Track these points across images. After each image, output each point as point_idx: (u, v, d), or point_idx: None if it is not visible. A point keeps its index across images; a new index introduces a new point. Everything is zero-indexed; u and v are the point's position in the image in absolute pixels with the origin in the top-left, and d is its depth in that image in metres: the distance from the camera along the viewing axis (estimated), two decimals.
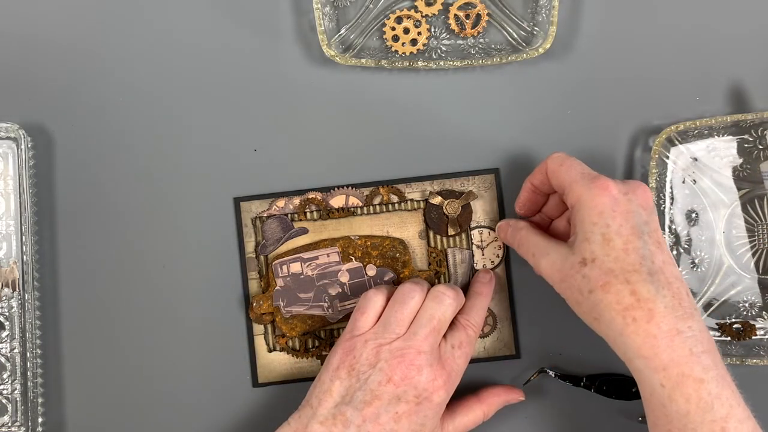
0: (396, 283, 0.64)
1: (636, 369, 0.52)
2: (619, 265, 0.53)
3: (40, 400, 0.64)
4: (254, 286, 0.65)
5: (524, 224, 0.61)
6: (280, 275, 0.65)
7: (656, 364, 0.51)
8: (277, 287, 0.64)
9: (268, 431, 0.65)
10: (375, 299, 0.59)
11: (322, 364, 0.65)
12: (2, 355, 0.64)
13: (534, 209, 0.63)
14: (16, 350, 0.64)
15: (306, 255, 0.65)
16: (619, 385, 0.64)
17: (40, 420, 0.64)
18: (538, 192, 0.61)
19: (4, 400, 0.64)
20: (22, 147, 0.64)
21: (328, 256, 0.65)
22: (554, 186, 0.58)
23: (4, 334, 0.64)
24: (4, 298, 0.64)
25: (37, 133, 0.66)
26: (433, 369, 0.56)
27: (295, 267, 0.65)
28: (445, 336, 0.59)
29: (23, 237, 0.64)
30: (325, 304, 0.64)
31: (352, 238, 0.65)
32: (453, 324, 0.60)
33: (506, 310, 0.65)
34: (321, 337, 0.65)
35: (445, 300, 0.58)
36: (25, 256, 0.64)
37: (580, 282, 0.54)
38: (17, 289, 0.64)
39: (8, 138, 0.65)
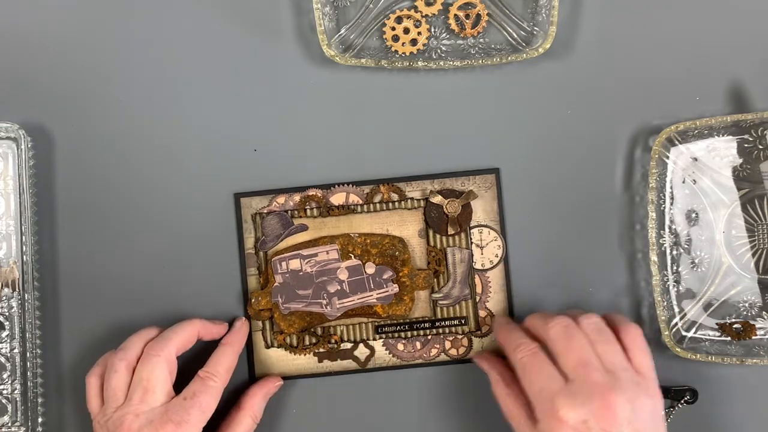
0: (395, 281, 0.64)
1: None
2: None
3: (40, 400, 0.64)
4: (253, 282, 0.65)
5: (497, 377, 0.61)
6: (279, 272, 0.65)
7: None
8: (275, 284, 0.64)
9: (265, 427, 0.65)
10: (89, 382, 0.61)
11: (318, 360, 0.65)
12: (2, 355, 0.64)
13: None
14: (16, 350, 0.64)
15: (305, 252, 0.65)
16: None
17: (40, 420, 0.64)
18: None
19: (4, 400, 0.64)
20: (22, 147, 0.64)
21: (327, 253, 0.65)
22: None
23: (4, 334, 0.64)
24: (4, 298, 0.64)
25: (37, 133, 0.66)
26: (154, 425, 0.57)
27: (295, 264, 0.65)
28: (183, 388, 0.60)
29: (23, 237, 0.64)
30: (324, 301, 0.64)
31: (352, 235, 0.65)
32: (195, 375, 0.61)
33: (505, 310, 0.65)
34: (318, 334, 0.65)
35: (151, 359, 0.59)
36: (25, 256, 0.64)
37: None
38: (17, 289, 0.64)
39: (8, 138, 0.65)
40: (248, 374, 0.66)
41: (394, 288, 0.64)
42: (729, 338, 0.64)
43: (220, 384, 0.60)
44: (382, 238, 0.65)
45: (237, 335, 0.64)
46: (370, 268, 0.64)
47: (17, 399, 0.64)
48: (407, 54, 0.66)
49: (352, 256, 0.65)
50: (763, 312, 0.65)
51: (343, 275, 0.64)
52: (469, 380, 0.65)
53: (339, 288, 0.64)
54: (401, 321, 0.65)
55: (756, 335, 0.64)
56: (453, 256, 0.65)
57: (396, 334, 0.65)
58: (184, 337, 0.61)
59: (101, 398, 0.60)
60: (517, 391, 0.59)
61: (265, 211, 0.65)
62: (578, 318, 0.58)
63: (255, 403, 0.63)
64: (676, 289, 0.65)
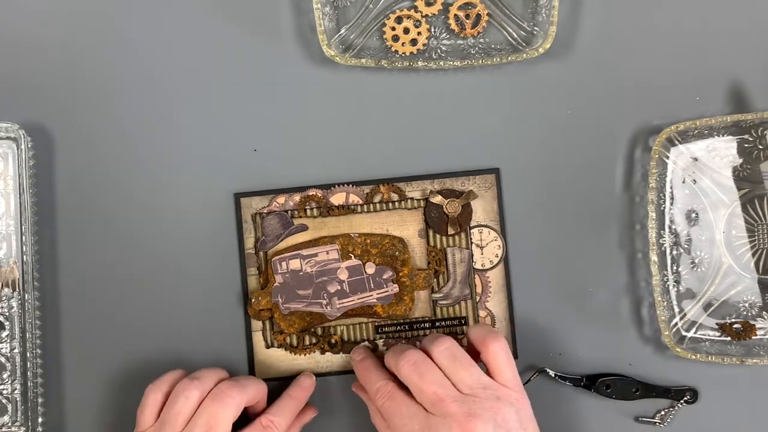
0: (395, 281, 0.64)
1: None
2: None
3: (40, 400, 0.64)
4: (253, 282, 0.65)
5: (374, 409, 0.61)
6: (279, 272, 0.65)
7: None
8: (276, 284, 0.64)
9: None
10: (151, 396, 0.59)
11: (318, 360, 0.65)
12: (2, 355, 0.64)
13: None
14: (16, 350, 0.64)
15: (305, 252, 0.65)
16: (619, 385, 0.64)
17: (40, 420, 0.64)
18: None
19: (4, 400, 0.64)
20: (22, 147, 0.64)
21: (327, 253, 0.65)
22: None
23: (4, 334, 0.64)
24: (4, 298, 0.64)
25: (37, 133, 0.66)
26: None
27: (295, 264, 0.65)
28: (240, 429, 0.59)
29: (23, 237, 0.64)
30: (324, 301, 0.64)
31: (352, 235, 0.65)
32: (254, 421, 0.60)
33: (505, 310, 0.65)
34: (318, 334, 0.65)
35: (225, 399, 0.58)
36: (25, 256, 0.64)
37: None
38: (17, 289, 0.64)
39: (8, 138, 0.65)
40: (248, 374, 0.65)
41: (394, 288, 0.64)
42: (729, 338, 0.64)
43: None
44: (382, 238, 0.65)
45: (303, 391, 0.64)
46: (370, 268, 0.64)
47: (17, 399, 0.64)
48: (407, 54, 0.66)
49: (352, 256, 0.65)
50: (763, 312, 0.65)
51: (343, 275, 0.64)
52: None
53: (339, 288, 0.64)
54: (401, 321, 0.65)
55: (756, 335, 0.64)
56: (453, 256, 0.65)
57: (396, 334, 0.65)
58: (256, 390, 0.60)
59: (157, 416, 0.59)
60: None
61: (265, 211, 0.66)
62: (430, 348, 0.58)
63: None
64: (676, 289, 0.65)
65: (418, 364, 0.57)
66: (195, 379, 0.59)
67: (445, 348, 0.57)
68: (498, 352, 0.57)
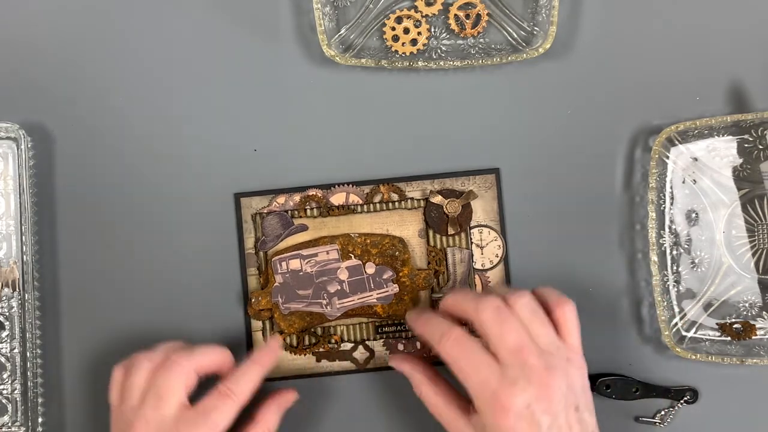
0: (395, 281, 0.64)
1: None
2: None
3: (40, 400, 0.64)
4: (253, 282, 0.65)
5: (421, 378, 0.60)
6: (279, 272, 0.65)
7: None
8: (275, 284, 0.65)
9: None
10: (115, 375, 0.60)
11: (318, 361, 0.65)
12: (2, 355, 0.64)
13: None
14: (16, 350, 0.64)
15: (305, 252, 0.65)
16: (619, 385, 0.64)
17: (40, 420, 0.64)
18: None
19: (4, 400, 0.64)
20: (22, 147, 0.64)
21: (327, 253, 0.65)
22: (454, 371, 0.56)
23: (4, 334, 0.64)
24: (4, 298, 0.64)
25: (37, 133, 0.66)
26: None
27: (295, 264, 0.65)
28: (199, 399, 0.58)
29: (23, 237, 0.64)
30: (324, 301, 0.64)
31: (352, 235, 0.65)
32: (214, 388, 0.58)
33: None
34: (318, 334, 0.65)
35: (171, 366, 0.57)
36: (25, 256, 0.64)
37: None
38: (17, 289, 0.64)
39: (8, 138, 0.65)
40: None
41: (394, 288, 0.64)
42: (729, 338, 0.64)
43: (238, 404, 0.57)
44: (382, 238, 0.65)
45: (268, 356, 0.61)
46: (370, 268, 0.64)
47: (17, 399, 0.64)
48: (407, 54, 0.66)
49: (352, 256, 0.65)
50: (763, 312, 0.65)
51: (343, 275, 0.64)
52: None
53: (339, 288, 0.64)
54: (401, 321, 0.65)
55: (756, 335, 0.64)
56: (453, 256, 0.65)
57: (396, 335, 0.65)
58: (210, 357, 0.59)
59: (122, 393, 0.59)
60: (444, 389, 0.58)
61: (265, 211, 0.66)
62: (508, 298, 0.56)
63: (270, 417, 0.61)
64: (676, 289, 0.65)
65: (500, 311, 0.55)
66: (149, 352, 0.59)
67: (528, 301, 0.56)
68: (570, 314, 0.56)
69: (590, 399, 0.56)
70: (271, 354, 0.61)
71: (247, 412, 0.60)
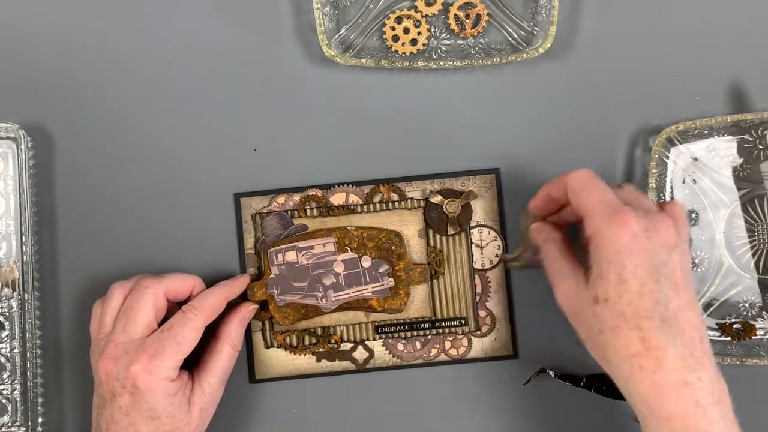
0: (391, 275, 0.64)
1: (640, 413, 0.52)
2: (631, 309, 0.50)
3: (40, 400, 0.64)
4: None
5: (555, 237, 0.58)
6: (275, 263, 0.65)
7: (660, 413, 0.50)
8: (271, 275, 0.65)
9: (265, 427, 0.65)
10: (94, 308, 0.62)
11: (318, 360, 0.65)
12: (2, 355, 0.64)
13: (549, 213, 0.61)
14: (16, 350, 0.64)
15: (302, 244, 0.65)
16: None
17: (40, 420, 0.64)
18: (555, 201, 0.59)
19: (4, 400, 0.64)
20: (22, 147, 0.64)
21: (323, 246, 0.65)
22: (574, 208, 0.55)
23: (4, 334, 0.64)
24: (4, 298, 0.64)
25: (37, 133, 0.66)
26: (129, 356, 0.57)
27: (291, 256, 0.65)
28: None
29: (23, 237, 0.64)
30: (320, 294, 0.64)
31: (349, 228, 0.65)
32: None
33: (504, 310, 0.65)
34: (318, 334, 0.65)
35: (140, 290, 0.59)
36: (25, 256, 0.64)
37: (591, 319, 0.52)
38: (17, 289, 0.64)
39: (8, 138, 0.65)
40: (248, 375, 0.66)
41: (390, 282, 0.64)
42: (729, 338, 0.64)
43: (201, 319, 0.59)
44: (379, 231, 0.65)
45: (234, 281, 0.64)
46: (366, 262, 0.65)
47: (17, 399, 0.64)
48: (407, 54, 0.66)
49: (349, 249, 0.65)
50: (763, 312, 0.65)
51: (339, 268, 0.64)
52: (470, 380, 0.65)
53: (335, 281, 0.64)
54: (401, 321, 0.65)
55: (756, 335, 0.64)
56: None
57: (396, 334, 0.65)
58: (178, 281, 0.61)
59: (99, 324, 0.61)
60: (573, 254, 0.57)
61: (265, 211, 0.66)
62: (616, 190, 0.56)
63: (232, 330, 0.62)
64: None
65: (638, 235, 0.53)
66: (121, 281, 0.61)
67: (631, 190, 0.56)
68: (683, 211, 0.56)
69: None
70: (237, 281, 0.64)
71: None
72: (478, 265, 0.65)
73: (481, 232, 0.66)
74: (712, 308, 0.65)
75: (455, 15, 0.66)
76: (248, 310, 0.64)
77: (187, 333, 0.58)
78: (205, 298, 0.61)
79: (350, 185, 0.65)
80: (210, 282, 0.64)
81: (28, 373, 0.63)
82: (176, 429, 0.58)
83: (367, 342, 0.66)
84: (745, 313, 0.65)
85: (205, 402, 0.60)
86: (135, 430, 0.57)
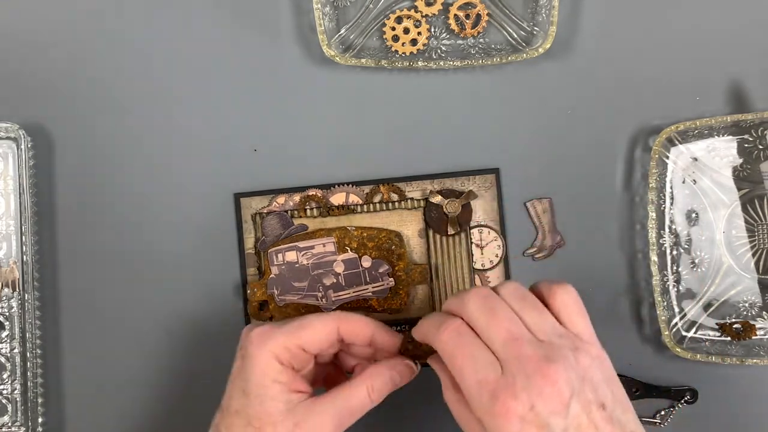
0: (391, 275, 0.64)
1: None
2: None
3: (40, 400, 0.64)
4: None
5: (447, 382, 0.51)
6: (275, 263, 0.65)
7: None
8: (271, 275, 0.65)
9: None
10: None
11: None
12: (2, 355, 0.64)
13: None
14: (16, 350, 0.64)
15: (302, 244, 0.65)
16: None
17: (40, 420, 0.64)
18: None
19: (4, 400, 0.64)
20: (22, 147, 0.64)
21: (323, 246, 0.65)
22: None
23: (4, 334, 0.64)
24: (4, 298, 0.64)
25: (37, 133, 0.66)
26: (260, 324, 0.54)
27: (291, 256, 0.65)
28: None
29: (23, 237, 0.64)
30: (320, 294, 0.64)
31: (349, 228, 0.65)
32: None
33: None
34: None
35: (329, 315, 0.55)
36: (25, 256, 0.64)
37: None
38: (17, 289, 0.64)
39: (8, 138, 0.65)
40: None
41: (390, 282, 0.65)
42: (729, 338, 0.64)
43: (334, 319, 0.53)
44: (379, 231, 0.65)
45: (391, 334, 0.55)
46: (366, 262, 0.65)
47: (17, 399, 0.64)
48: (407, 54, 0.66)
49: (349, 249, 0.65)
50: (763, 312, 0.65)
51: (339, 268, 0.64)
52: None
53: (335, 281, 0.64)
54: (401, 321, 0.65)
55: (756, 335, 0.64)
56: (534, 208, 0.65)
57: None
58: (359, 325, 0.54)
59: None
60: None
61: (265, 211, 0.66)
62: (496, 287, 0.50)
63: (377, 377, 0.53)
64: (676, 289, 0.65)
65: (488, 299, 0.49)
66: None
67: (514, 287, 0.50)
68: (568, 298, 0.49)
69: (622, 394, 0.48)
70: (409, 370, 0.55)
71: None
72: (478, 265, 0.66)
73: (481, 232, 0.66)
74: (712, 308, 0.65)
75: (455, 15, 0.66)
76: (404, 364, 0.55)
77: (313, 319, 0.53)
78: (353, 315, 0.54)
79: (350, 185, 0.65)
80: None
81: (28, 373, 0.63)
82: (260, 421, 0.51)
83: None
84: (745, 313, 0.65)
85: (306, 426, 0.51)
86: (228, 403, 0.53)
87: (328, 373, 0.58)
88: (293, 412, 0.51)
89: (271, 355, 0.52)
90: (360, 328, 0.54)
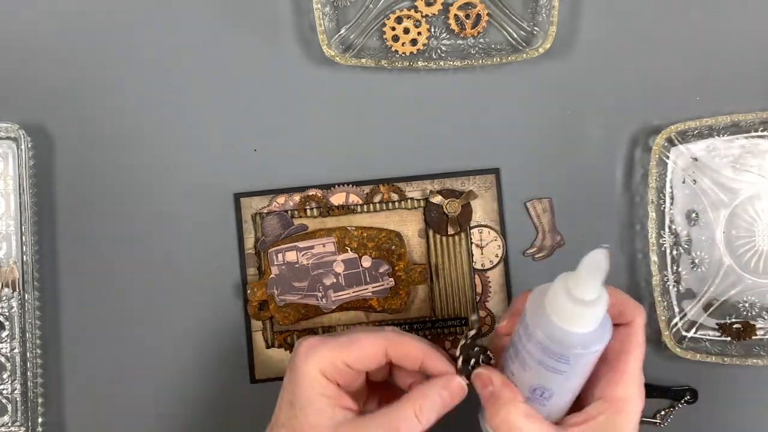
0: (391, 275, 0.64)
1: None
2: None
3: (40, 400, 0.64)
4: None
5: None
6: (276, 263, 0.65)
7: None
8: (271, 275, 0.65)
9: (266, 427, 0.65)
10: None
11: None
12: (2, 355, 0.64)
13: None
14: (16, 350, 0.64)
15: (302, 244, 0.65)
16: None
17: (40, 420, 0.64)
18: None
19: (4, 400, 0.64)
20: (22, 147, 0.64)
21: (323, 245, 0.65)
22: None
23: (4, 334, 0.64)
24: (4, 298, 0.64)
25: (37, 133, 0.66)
26: (309, 336, 0.53)
27: (291, 256, 0.65)
28: None
29: (23, 237, 0.64)
30: (320, 294, 0.64)
31: (349, 228, 0.65)
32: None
33: (504, 310, 0.65)
34: (318, 334, 0.65)
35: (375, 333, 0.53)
36: (25, 256, 0.64)
37: None
38: (17, 289, 0.64)
39: (8, 138, 0.65)
40: (248, 375, 0.65)
41: (390, 282, 0.65)
42: (729, 338, 0.64)
43: (384, 337, 0.52)
44: (379, 231, 0.65)
45: (457, 388, 0.52)
46: (366, 262, 0.65)
47: (17, 399, 0.64)
48: (407, 54, 0.66)
49: (349, 249, 0.65)
50: (763, 312, 0.65)
51: (339, 268, 0.65)
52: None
53: (335, 281, 0.64)
54: (401, 321, 0.65)
55: (756, 335, 0.64)
56: (534, 208, 0.65)
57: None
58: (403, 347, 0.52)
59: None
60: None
61: (265, 211, 0.66)
62: None
63: (426, 398, 0.51)
64: (676, 289, 0.65)
65: None
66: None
67: None
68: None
69: None
70: (459, 392, 0.53)
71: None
72: (478, 265, 0.66)
73: (481, 232, 0.66)
74: (712, 308, 0.65)
75: (455, 15, 0.66)
76: (456, 383, 0.52)
77: (362, 337, 0.51)
78: (404, 337, 0.52)
79: (350, 185, 0.65)
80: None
81: (28, 373, 0.63)
82: None
83: None
84: (745, 313, 0.65)
85: None
86: (277, 415, 0.52)
87: (383, 394, 0.56)
88: (338, 429, 0.50)
89: (317, 369, 0.51)
90: (410, 352, 0.52)
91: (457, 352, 0.52)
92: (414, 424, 0.50)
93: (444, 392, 0.51)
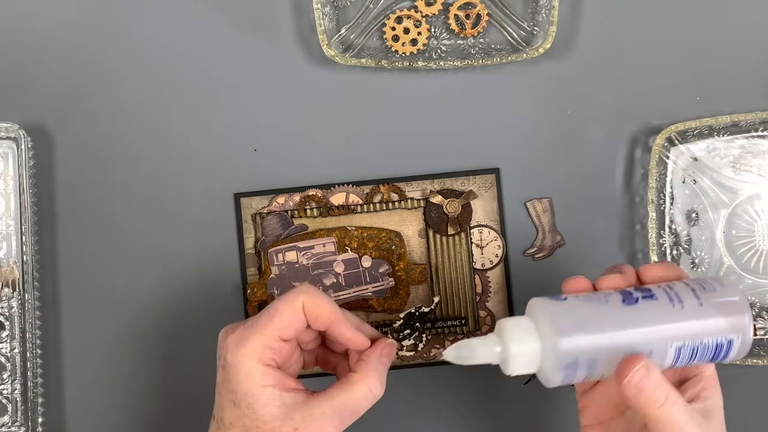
0: (391, 275, 0.65)
1: None
2: None
3: (40, 400, 0.64)
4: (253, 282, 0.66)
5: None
6: (275, 263, 0.65)
7: None
8: (271, 275, 0.65)
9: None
10: None
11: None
12: (2, 355, 0.64)
13: None
14: (16, 350, 0.64)
15: (302, 244, 0.65)
16: None
17: (40, 420, 0.64)
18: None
19: (4, 400, 0.64)
20: (22, 147, 0.64)
21: (323, 245, 0.65)
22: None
23: (4, 334, 0.64)
24: (4, 298, 0.64)
25: (37, 133, 0.66)
26: (233, 327, 0.52)
27: (291, 256, 0.65)
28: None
29: (23, 237, 0.64)
30: None
31: (349, 228, 0.65)
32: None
33: (504, 310, 0.65)
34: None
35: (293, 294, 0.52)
36: (25, 256, 0.64)
37: None
38: (17, 289, 0.64)
39: (8, 138, 0.65)
40: None
41: (390, 282, 0.65)
42: None
43: (300, 298, 0.51)
44: (379, 231, 0.65)
45: (390, 348, 0.54)
46: (366, 262, 0.65)
47: (17, 399, 0.64)
48: (407, 54, 0.66)
49: (349, 249, 0.65)
50: (763, 312, 0.65)
51: (339, 268, 0.65)
52: (469, 380, 0.65)
53: (335, 281, 0.64)
54: (398, 320, 0.65)
55: (756, 335, 0.64)
56: (534, 208, 0.65)
57: (395, 334, 0.65)
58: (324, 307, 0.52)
59: None
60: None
61: (265, 211, 0.66)
62: None
63: (370, 368, 0.52)
64: None
65: None
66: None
67: None
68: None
69: None
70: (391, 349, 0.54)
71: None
72: (478, 265, 0.66)
73: (481, 232, 0.66)
74: None
75: (455, 15, 0.66)
76: (387, 343, 0.54)
77: (279, 306, 0.50)
78: (320, 294, 0.52)
79: (350, 185, 0.66)
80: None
81: (28, 373, 0.63)
82: (258, 430, 0.49)
83: None
84: None
85: (306, 429, 0.49)
86: (221, 414, 0.51)
87: (318, 355, 0.57)
88: (290, 417, 0.49)
89: (252, 359, 0.49)
90: (323, 312, 0.51)
91: (401, 314, 0.60)
92: (371, 400, 0.51)
93: (385, 359, 0.53)
